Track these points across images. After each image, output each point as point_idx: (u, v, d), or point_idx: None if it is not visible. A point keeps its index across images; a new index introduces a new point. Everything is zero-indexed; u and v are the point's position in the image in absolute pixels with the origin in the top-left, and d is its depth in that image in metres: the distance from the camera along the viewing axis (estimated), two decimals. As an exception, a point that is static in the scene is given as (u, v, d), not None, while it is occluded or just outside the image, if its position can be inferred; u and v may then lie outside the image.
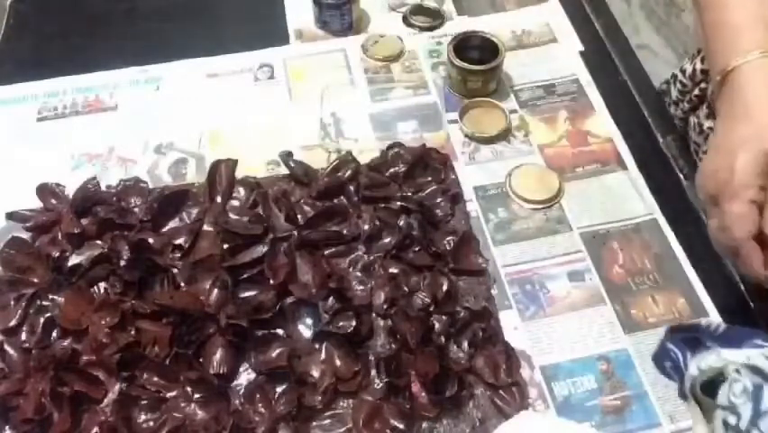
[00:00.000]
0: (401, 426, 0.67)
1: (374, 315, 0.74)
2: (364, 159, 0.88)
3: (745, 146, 0.59)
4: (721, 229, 0.61)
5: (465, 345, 0.72)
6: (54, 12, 1.13)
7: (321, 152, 0.91)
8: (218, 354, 0.71)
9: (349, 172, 0.85)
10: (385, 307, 0.74)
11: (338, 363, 0.71)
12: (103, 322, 0.72)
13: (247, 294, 0.75)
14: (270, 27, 1.08)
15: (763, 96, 0.61)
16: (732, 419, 0.55)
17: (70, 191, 0.85)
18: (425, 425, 0.68)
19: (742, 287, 0.76)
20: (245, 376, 0.72)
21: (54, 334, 0.74)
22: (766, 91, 0.61)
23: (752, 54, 0.61)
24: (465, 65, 0.94)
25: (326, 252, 0.79)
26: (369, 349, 0.72)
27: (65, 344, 0.73)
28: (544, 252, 0.80)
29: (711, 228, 0.63)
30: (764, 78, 0.61)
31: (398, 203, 0.82)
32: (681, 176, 0.87)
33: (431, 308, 0.73)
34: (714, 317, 0.74)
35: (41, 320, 0.74)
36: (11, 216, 0.83)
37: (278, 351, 0.72)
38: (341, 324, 0.72)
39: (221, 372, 0.71)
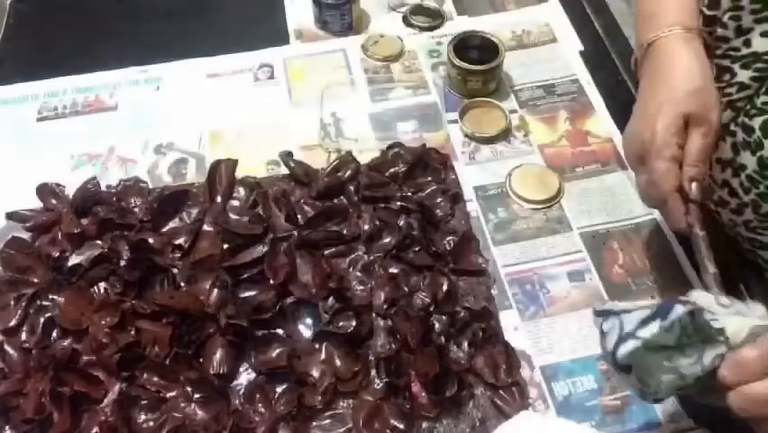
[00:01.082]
0: (401, 426, 0.67)
1: (374, 315, 0.74)
2: (364, 159, 0.88)
3: (663, 109, 0.66)
4: (650, 184, 0.68)
5: (465, 345, 0.72)
6: (54, 12, 1.13)
7: (321, 152, 0.91)
8: (218, 354, 0.71)
9: (349, 172, 0.85)
10: (385, 307, 0.74)
11: (338, 363, 0.71)
12: (103, 322, 0.72)
13: (247, 294, 0.75)
14: (270, 27, 1.08)
15: (680, 64, 0.68)
16: None
17: (70, 191, 0.85)
18: (425, 425, 0.68)
19: (741, 286, 0.76)
20: (245, 376, 0.72)
21: (54, 334, 0.74)
22: (682, 60, 0.68)
23: (672, 29, 0.69)
24: (465, 65, 0.94)
25: (326, 252, 0.79)
26: (369, 349, 0.72)
27: (65, 344, 0.73)
28: (544, 252, 0.80)
29: (640, 185, 0.70)
30: (681, 49, 0.69)
31: (398, 203, 0.82)
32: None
33: (431, 308, 0.73)
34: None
35: (41, 320, 0.74)
36: (11, 216, 0.83)
37: (278, 351, 0.72)
38: (341, 324, 0.72)
39: (221, 372, 0.71)
